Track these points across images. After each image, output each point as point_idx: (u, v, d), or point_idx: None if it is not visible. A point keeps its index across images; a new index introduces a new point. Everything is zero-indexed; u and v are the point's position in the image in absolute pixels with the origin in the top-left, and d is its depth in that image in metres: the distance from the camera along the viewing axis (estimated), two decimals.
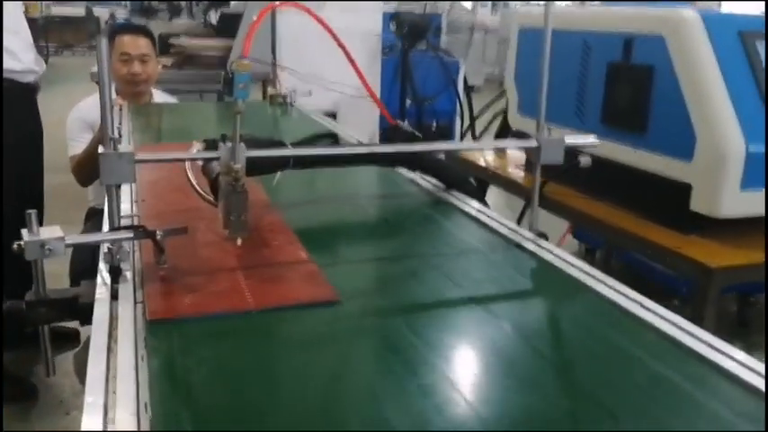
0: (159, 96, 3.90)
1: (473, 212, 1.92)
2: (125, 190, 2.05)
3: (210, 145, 1.89)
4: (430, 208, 2.04)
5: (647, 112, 2.29)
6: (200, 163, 1.80)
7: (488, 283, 1.52)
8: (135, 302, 1.34)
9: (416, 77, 6.16)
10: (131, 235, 1.42)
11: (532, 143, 1.74)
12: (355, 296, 1.37)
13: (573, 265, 1.55)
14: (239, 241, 1.48)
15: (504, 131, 3.42)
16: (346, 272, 1.52)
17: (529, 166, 2.97)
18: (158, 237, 1.43)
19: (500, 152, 3.37)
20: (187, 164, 1.75)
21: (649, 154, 2.29)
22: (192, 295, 1.33)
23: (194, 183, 1.70)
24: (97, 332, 1.19)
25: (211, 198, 1.66)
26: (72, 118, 3.62)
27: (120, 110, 3.26)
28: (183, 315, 1.25)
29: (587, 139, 1.81)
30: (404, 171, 2.36)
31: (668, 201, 2.26)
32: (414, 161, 2.11)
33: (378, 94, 4.92)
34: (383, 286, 1.50)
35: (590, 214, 2.40)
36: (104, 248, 1.45)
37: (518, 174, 2.96)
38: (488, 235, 1.79)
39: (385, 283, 1.52)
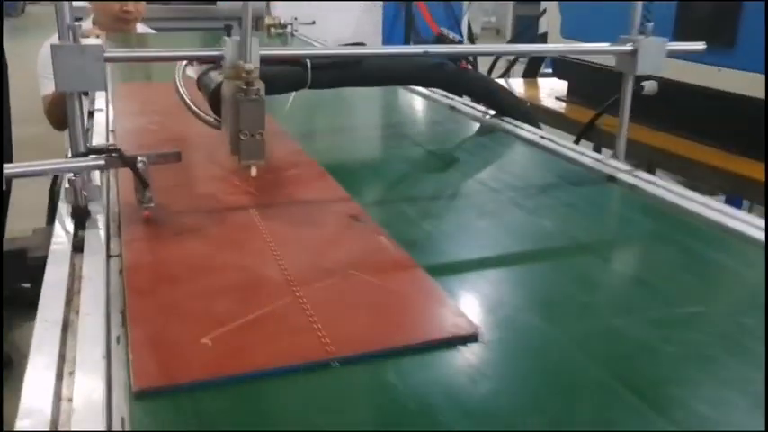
0: (140, 29, 3.45)
1: (543, 141, 1.52)
2: (99, 121, 1.63)
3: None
4: (484, 136, 1.64)
5: (735, 21, 1.88)
6: (191, 76, 1.39)
7: (593, 225, 1.13)
8: (108, 256, 0.93)
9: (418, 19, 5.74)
10: (102, 162, 1.01)
11: (625, 46, 1.33)
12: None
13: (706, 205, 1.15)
14: (254, 171, 1.07)
15: (536, 64, 3.00)
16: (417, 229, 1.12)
17: (572, 95, 2.55)
18: (140, 165, 1.02)
19: (531, 83, 2.95)
20: (178, 77, 1.33)
21: (738, 73, 1.88)
22: (213, 335, 0.73)
23: (188, 100, 1.28)
24: (49, 299, 0.79)
25: (212, 118, 1.25)
26: (44, 53, 3.16)
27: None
28: (198, 379, 0.67)
29: (694, 45, 1.40)
30: (441, 96, 1.95)
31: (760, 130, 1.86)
32: (462, 84, 1.69)
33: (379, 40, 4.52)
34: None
35: (665, 149, 1.99)
36: (65, 183, 1.04)
37: (556, 105, 2.54)
38: (570, 166, 1.39)
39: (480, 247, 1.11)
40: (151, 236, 0.99)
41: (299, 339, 0.72)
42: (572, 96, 2.54)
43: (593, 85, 2.34)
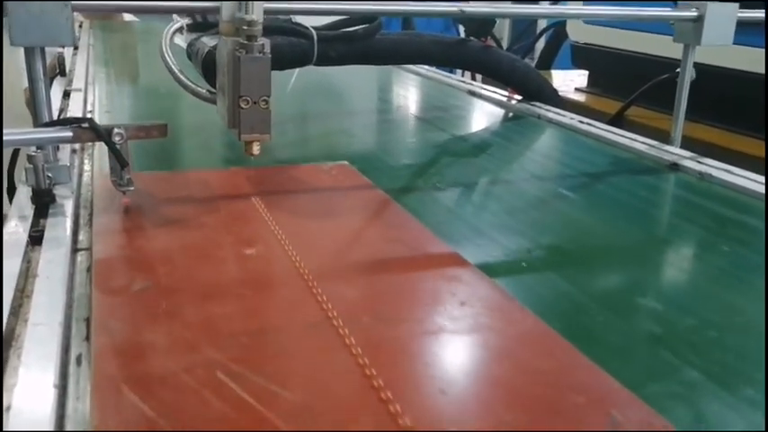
0: (127, 17, 3.26)
1: (583, 126, 1.33)
2: (76, 98, 1.43)
3: (195, 27, 1.29)
4: (513, 121, 1.45)
5: None
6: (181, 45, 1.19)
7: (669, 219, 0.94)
8: (74, 250, 0.73)
9: None
10: (69, 134, 0.81)
11: (690, 12, 1.15)
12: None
13: None
14: (256, 149, 0.87)
15: (556, 45, 2.80)
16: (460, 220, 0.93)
17: (594, 85, 2.36)
18: (116, 138, 0.82)
19: (544, 72, 2.77)
20: (164, 44, 1.13)
21: None
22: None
23: (175, 69, 1.08)
24: None
25: (204, 90, 1.04)
26: None
27: (81, 27, 2.62)
28: None
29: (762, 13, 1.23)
30: (456, 81, 1.76)
31: None
32: (488, 63, 1.49)
33: None
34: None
35: (709, 141, 1.80)
36: (26, 161, 0.84)
37: (576, 96, 2.35)
38: (621, 153, 1.20)
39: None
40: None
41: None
42: (594, 87, 2.36)
43: (619, 75, 2.16)
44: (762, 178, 1.03)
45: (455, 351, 0.56)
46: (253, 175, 0.98)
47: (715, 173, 1.06)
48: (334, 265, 0.71)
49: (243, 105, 0.83)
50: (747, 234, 0.88)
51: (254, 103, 0.84)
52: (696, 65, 1.46)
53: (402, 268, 0.70)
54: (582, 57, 2.42)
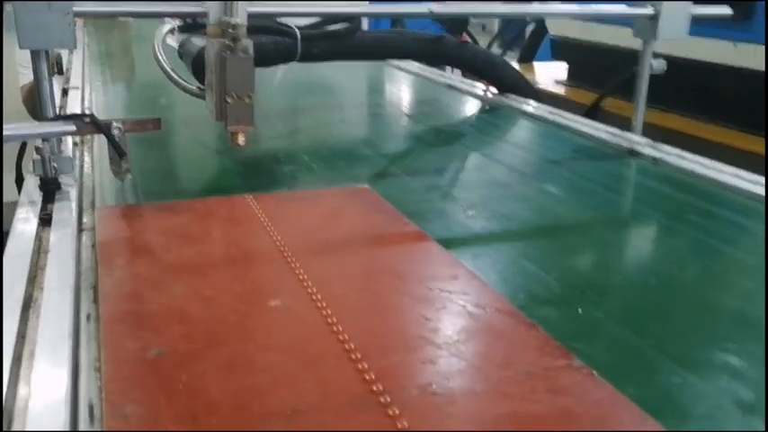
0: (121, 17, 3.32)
1: (552, 117, 1.42)
2: (74, 96, 1.52)
3: (185, 28, 1.37)
4: (488, 113, 1.54)
5: None
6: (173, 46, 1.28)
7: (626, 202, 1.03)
8: (79, 230, 0.82)
9: None
10: (72, 127, 0.90)
11: (646, 9, 1.24)
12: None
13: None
14: (242, 140, 0.96)
15: (532, 49, 2.89)
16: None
17: (573, 77, 2.45)
18: (115, 131, 0.91)
19: (527, 67, 2.85)
20: (157, 45, 1.22)
21: (755, 48, 1.79)
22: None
23: (168, 68, 1.17)
24: (11, 275, 0.67)
25: (194, 87, 1.13)
26: None
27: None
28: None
29: (720, 9, 1.31)
30: (436, 75, 1.85)
31: None
32: (464, 57, 1.58)
33: None
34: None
35: (679, 130, 1.88)
36: (34, 153, 0.93)
37: (556, 88, 2.43)
38: (584, 141, 1.29)
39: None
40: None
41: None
42: (573, 79, 2.45)
43: (596, 67, 2.24)
44: (715, 163, 1.12)
45: None
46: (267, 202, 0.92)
47: (667, 158, 1.15)
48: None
49: (229, 101, 0.93)
50: (686, 210, 0.97)
51: (239, 98, 0.93)
52: (667, 57, 1.54)
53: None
54: (560, 50, 2.51)
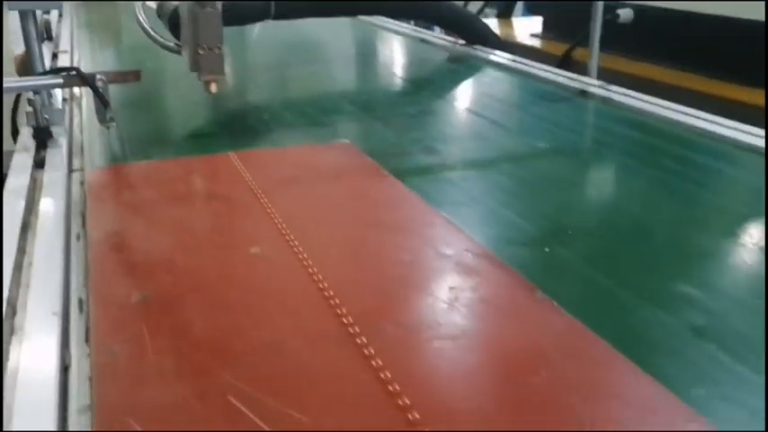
0: None
1: (515, 65, 1.51)
2: (63, 59, 1.60)
3: None
4: (456, 63, 1.62)
5: None
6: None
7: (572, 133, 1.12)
8: (69, 171, 0.92)
9: None
10: (60, 80, 0.99)
11: None
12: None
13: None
14: (214, 88, 1.05)
15: (510, 6, 2.95)
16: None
17: (548, 30, 2.52)
18: (99, 83, 1.00)
19: (505, 22, 2.92)
20: (138, 7, 1.30)
21: None
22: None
23: (147, 27, 1.25)
24: (11, 206, 0.77)
25: (172, 43, 1.22)
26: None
27: None
28: None
29: None
30: (411, 30, 1.93)
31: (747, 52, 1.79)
32: (432, 12, 1.67)
33: None
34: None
35: (650, 78, 1.95)
36: (27, 106, 1.02)
37: (532, 41, 2.50)
38: (542, 85, 1.38)
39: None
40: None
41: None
42: (547, 32, 2.52)
43: (568, 20, 2.31)
44: (659, 100, 1.20)
45: None
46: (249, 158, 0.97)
47: (616, 97, 1.24)
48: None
49: (201, 52, 1.02)
50: (632, 145, 1.06)
51: (210, 49, 1.02)
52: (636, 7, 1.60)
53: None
54: (534, 4, 2.58)
